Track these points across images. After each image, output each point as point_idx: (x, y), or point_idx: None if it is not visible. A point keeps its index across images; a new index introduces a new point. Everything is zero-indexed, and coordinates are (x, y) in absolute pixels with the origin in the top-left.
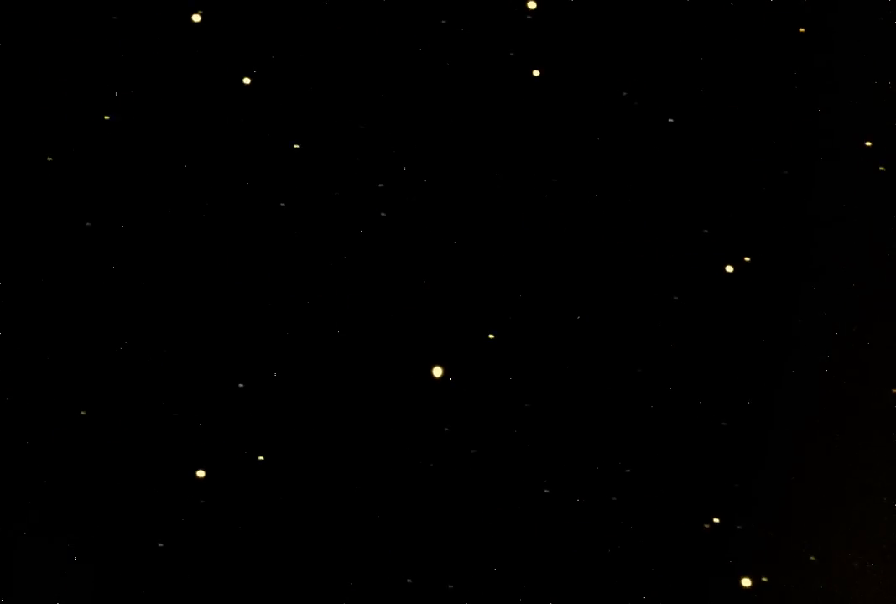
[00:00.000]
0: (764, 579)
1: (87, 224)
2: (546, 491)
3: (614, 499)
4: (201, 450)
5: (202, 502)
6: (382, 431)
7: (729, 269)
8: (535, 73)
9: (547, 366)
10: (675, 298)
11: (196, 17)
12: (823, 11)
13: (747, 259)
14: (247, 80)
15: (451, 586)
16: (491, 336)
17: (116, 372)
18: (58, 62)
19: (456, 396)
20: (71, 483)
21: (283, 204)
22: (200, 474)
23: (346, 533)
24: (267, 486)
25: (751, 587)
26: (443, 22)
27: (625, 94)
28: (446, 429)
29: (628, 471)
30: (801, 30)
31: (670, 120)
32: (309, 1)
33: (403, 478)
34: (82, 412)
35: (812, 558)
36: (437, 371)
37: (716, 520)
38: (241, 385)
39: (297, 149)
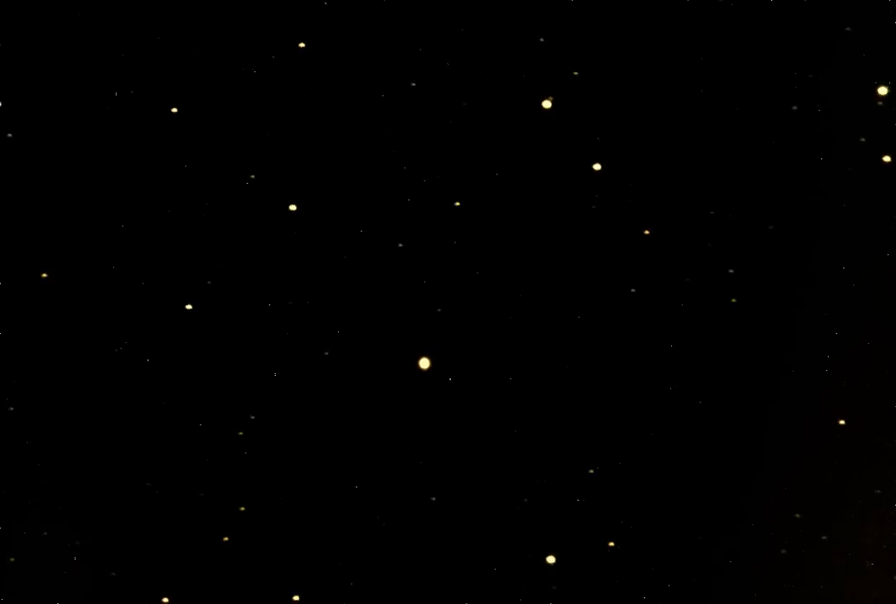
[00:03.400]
0: (764, 578)
1: (89, 224)
2: (543, 490)
3: (613, 498)
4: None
5: None
6: (370, 423)
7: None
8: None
9: (545, 365)
10: (675, 297)
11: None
12: (823, 11)
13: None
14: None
15: (450, 586)
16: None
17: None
18: (57, 62)
19: (443, 388)
20: (74, 482)
21: (277, 200)
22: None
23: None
24: (259, 483)
25: (751, 587)
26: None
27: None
28: (433, 421)
29: (627, 470)
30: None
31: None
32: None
33: (395, 474)
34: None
35: (815, 560)
36: (424, 363)
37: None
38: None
39: (297, 148)
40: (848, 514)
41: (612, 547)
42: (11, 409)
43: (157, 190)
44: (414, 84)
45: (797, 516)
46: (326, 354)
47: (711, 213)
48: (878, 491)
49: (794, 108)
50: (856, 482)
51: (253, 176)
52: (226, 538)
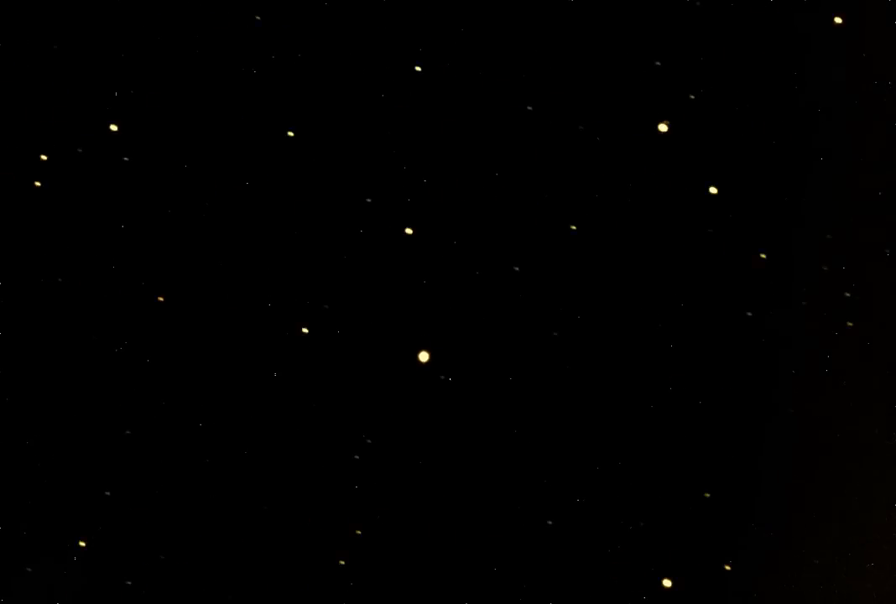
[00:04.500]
0: (764, 579)
1: (89, 224)
2: (544, 492)
3: (613, 498)
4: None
5: None
6: (370, 416)
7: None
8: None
9: (546, 365)
10: (675, 298)
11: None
12: (823, 11)
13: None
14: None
15: (450, 586)
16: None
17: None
18: (58, 62)
19: (443, 382)
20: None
21: (277, 198)
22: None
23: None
24: (257, 481)
25: (751, 587)
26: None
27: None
28: (434, 416)
29: (628, 470)
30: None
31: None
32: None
33: (394, 471)
34: None
35: (816, 560)
36: (424, 356)
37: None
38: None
39: (298, 148)
40: (847, 515)
41: (728, 570)
42: (128, 433)
43: (156, 189)
44: (530, 107)
45: (793, 515)
46: (326, 347)
47: (828, 236)
48: (878, 492)
49: None
50: (856, 483)
51: (254, 174)
52: (342, 562)
